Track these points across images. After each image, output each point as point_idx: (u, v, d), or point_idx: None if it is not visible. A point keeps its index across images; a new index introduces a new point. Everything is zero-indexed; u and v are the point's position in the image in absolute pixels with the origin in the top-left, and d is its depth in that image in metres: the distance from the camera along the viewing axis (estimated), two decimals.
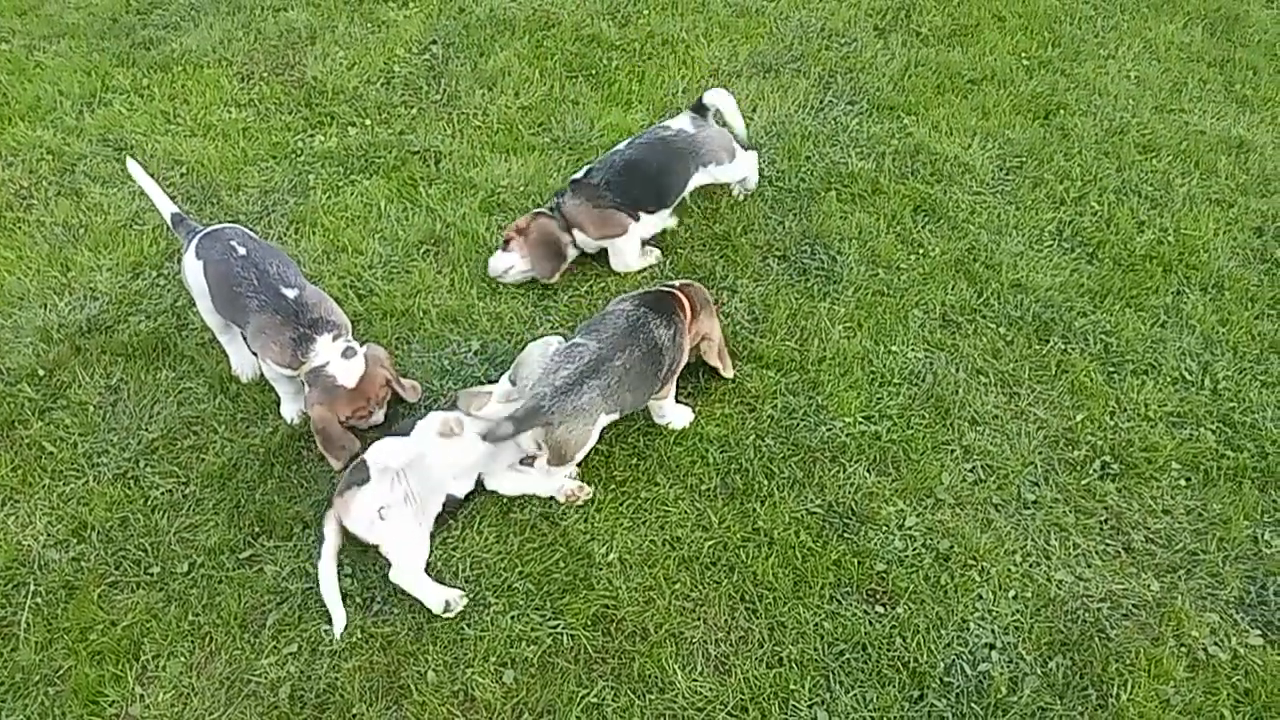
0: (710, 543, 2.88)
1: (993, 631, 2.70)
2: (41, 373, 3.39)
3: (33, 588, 2.82)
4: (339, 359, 3.00)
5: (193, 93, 4.63)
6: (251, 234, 3.23)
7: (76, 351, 3.45)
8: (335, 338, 3.03)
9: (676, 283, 3.22)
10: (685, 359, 3.11)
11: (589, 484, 2.99)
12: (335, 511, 2.81)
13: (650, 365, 2.95)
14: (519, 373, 2.96)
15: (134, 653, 2.68)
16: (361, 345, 3.09)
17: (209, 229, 3.20)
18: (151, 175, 3.40)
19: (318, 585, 2.73)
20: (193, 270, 3.14)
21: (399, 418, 3.16)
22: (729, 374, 3.26)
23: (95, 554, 2.90)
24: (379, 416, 3.12)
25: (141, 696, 2.60)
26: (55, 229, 3.95)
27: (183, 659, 2.67)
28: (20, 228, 3.96)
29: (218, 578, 2.83)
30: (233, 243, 3.10)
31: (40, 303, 3.65)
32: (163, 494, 3.04)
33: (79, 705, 2.58)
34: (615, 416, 2.97)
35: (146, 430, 3.21)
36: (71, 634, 2.72)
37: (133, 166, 3.36)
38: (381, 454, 2.85)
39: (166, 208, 3.33)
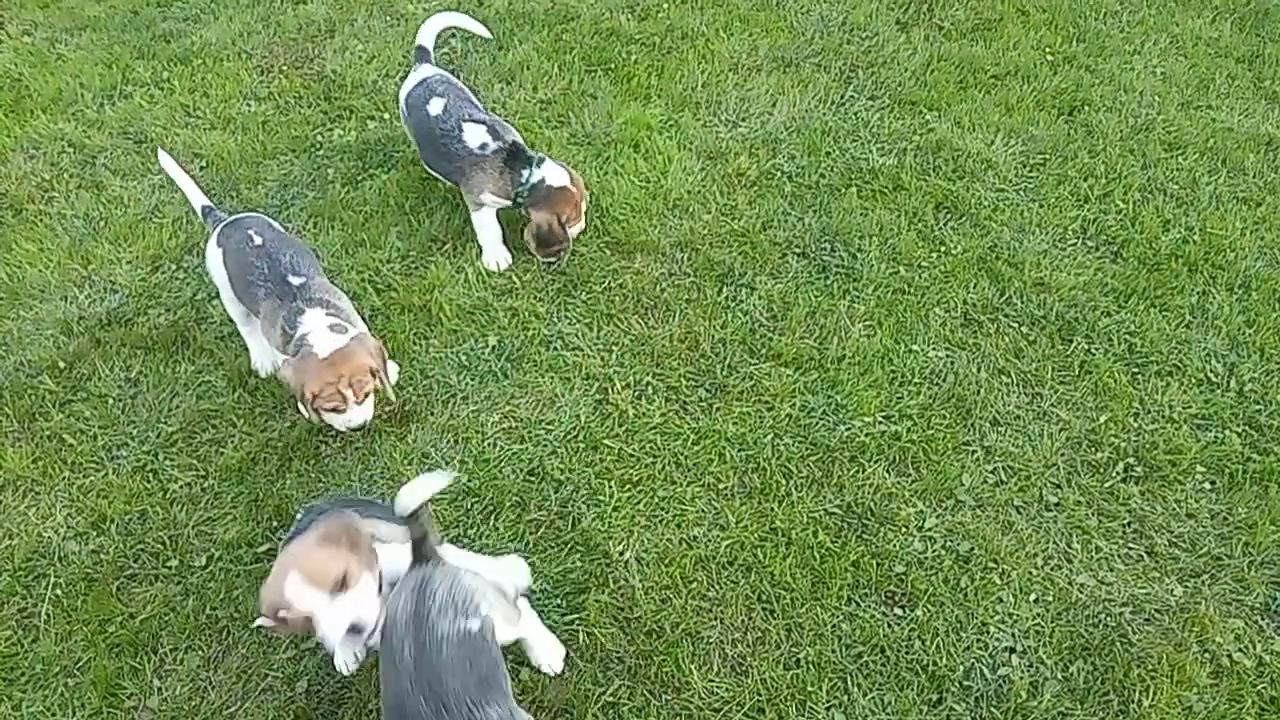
0: (727, 542, 2.86)
1: (1013, 635, 2.67)
2: (62, 365, 3.40)
3: (52, 579, 2.84)
4: (323, 330, 2.86)
5: (212, 86, 4.64)
6: (272, 223, 3.24)
7: (96, 344, 3.46)
8: (328, 314, 2.91)
9: None
10: None
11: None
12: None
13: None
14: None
15: (152, 645, 2.70)
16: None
17: (232, 218, 3.23)
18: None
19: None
20: (214, 258, 3.17)
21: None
22: None
23: (114, 546, 2.91)
24: (355, 415, 2.91)
25: (159, 689, 2.61)
26: (76, 221, 3.97)
27: (200, 652, 2.68)
28: (41, 220, 3.98)
29: (235, 571, 2.84)
30: (250, 231, 3.11)
31: (61, 295, 3.66)
32: (181, 487, 3.05)
33: (97, 697, 2.59)
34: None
35: (165, 423, 3.22)
36: (90, 626, 2.73)
37: (164, 158, 3.38)
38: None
39: (198, 200, 3.35)
